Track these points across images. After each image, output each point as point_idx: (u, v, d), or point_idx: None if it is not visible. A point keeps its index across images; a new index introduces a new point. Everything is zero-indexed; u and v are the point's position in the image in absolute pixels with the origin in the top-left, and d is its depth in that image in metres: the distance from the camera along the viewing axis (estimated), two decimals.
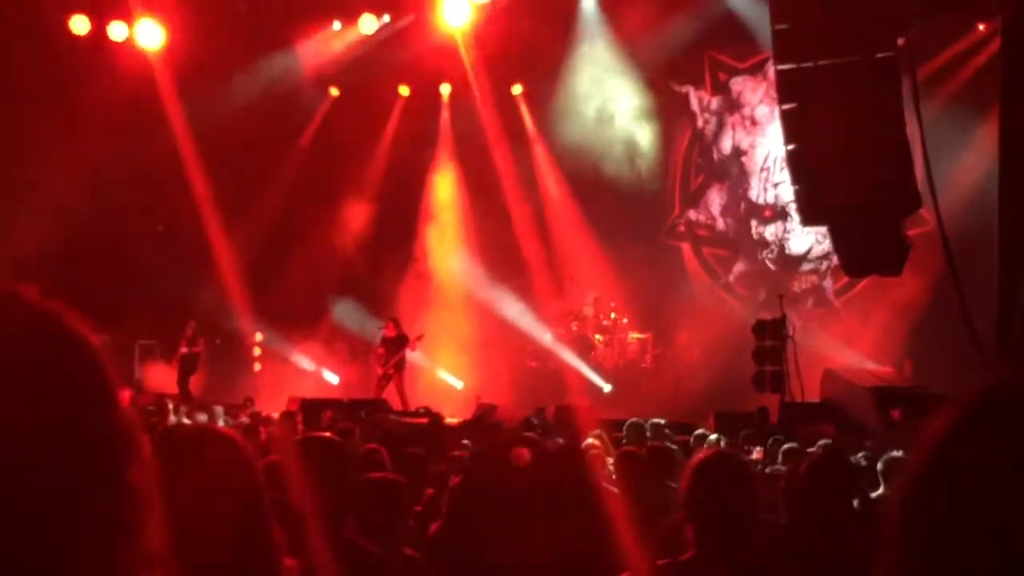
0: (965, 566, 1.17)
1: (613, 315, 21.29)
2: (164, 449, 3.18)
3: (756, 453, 10.13)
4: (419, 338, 19.77)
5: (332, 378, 21.24)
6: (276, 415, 13.95)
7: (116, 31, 19.32)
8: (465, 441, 10.06)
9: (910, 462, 1.28)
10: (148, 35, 19.07)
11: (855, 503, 5.41)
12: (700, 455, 3.80)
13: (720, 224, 22.12)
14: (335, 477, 3.98)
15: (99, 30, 19.29)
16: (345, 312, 21.34)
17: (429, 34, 20.03)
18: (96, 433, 1.18)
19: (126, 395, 12.72)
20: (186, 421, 12.82)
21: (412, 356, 19.90)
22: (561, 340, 21.04)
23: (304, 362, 20.93)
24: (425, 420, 14.26)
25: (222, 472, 2.74)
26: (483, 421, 14.25)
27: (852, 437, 10.47)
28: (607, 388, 20.14)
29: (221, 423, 12.09)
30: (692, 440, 10.90)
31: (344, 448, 4.32)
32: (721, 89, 21.75)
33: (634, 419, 11.15)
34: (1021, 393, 1.24)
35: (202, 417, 13.12)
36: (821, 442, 10.27)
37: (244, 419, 13.33)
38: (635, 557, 4.62)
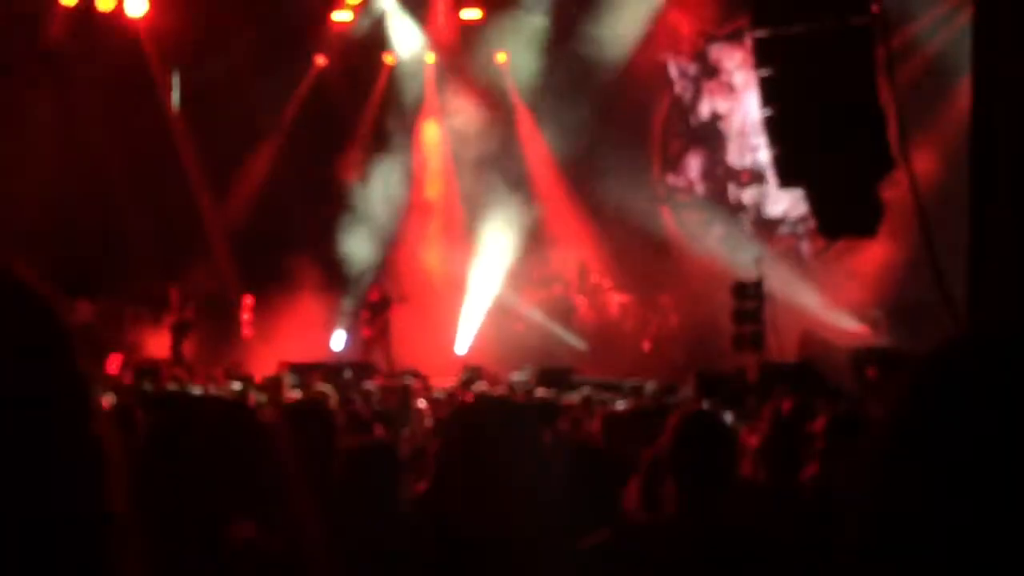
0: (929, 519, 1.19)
1: (592, 277, 21.54)
2: (157, 413, 3.32)
3: (728, 416, 10.05)
4: (403, 300, 19.99)
5: (338, 340, 21.48)
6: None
7: (104, 2, 19.43)
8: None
9: (879, 420, 1.30)
10: (135, 5, 19.20)
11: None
12: (682, 414, 3.82)
13: (699, 188, 22.39)
14: (319, 443, 4.07)
15: (86, 3, 19.38)
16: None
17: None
18: (49, 389, 1.18)
19: (117, 359, 12.93)
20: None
21: (401, 318, 20.10)
22: (544, 303, 21.29)
23: (302, 324, 21.03)
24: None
25: (217, 436, 2.87)
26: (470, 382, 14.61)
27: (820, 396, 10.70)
28: (580, 345, 20.44)
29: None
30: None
31: (328, 413, 4.38)
32: (699, 56, 21.99)
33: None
34: (978, 347, 1.26)
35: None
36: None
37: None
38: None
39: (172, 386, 13.19)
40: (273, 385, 13.25)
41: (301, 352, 18.75)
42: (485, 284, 21.18)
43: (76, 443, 1.18)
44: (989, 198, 11.79)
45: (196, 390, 12.48)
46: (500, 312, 21.08)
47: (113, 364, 16.71)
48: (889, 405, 1.27)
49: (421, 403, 12.13)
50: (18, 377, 1.15)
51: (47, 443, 1.15)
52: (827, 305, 18.90)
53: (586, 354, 20.14)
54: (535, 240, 21.51)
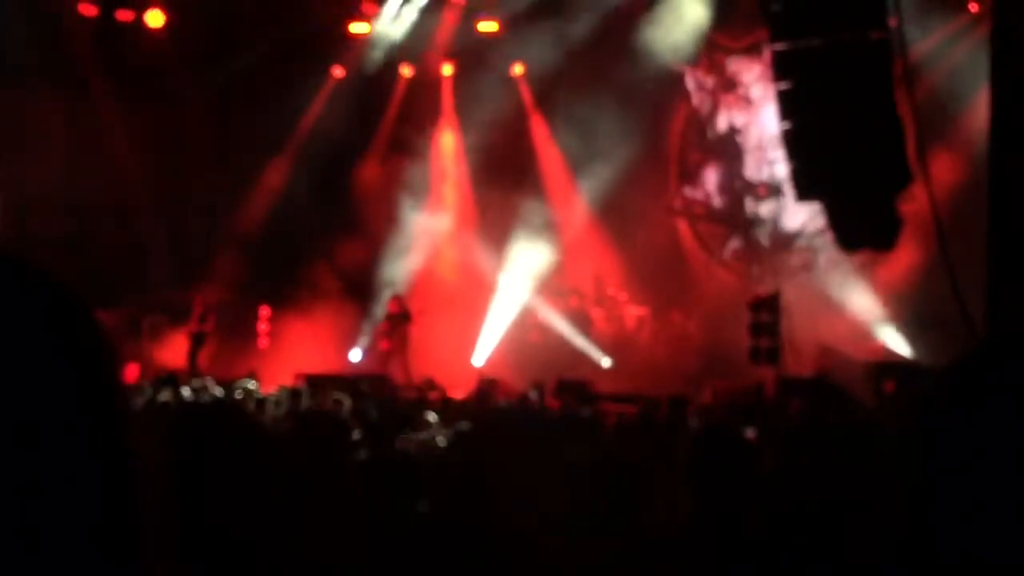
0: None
1: (608, 290, 21.56)
2: (176, 421, 3.37)
3: (750, 433, 9.92)
4: (422, 312, 20.06)
5: (355, 352, 21.51)
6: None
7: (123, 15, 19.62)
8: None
9: (908, 433, 1.27)
10: (154, 16, 19.39)
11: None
12: (698, 429, 3.81)
13: (715, 201, 22.37)
14: (332, 452, 4.12)
15: (107, 14, 19.55)
16: None
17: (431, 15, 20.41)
18: (90, 399, 1.14)
19: (135, 369, 13.04)
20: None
21: (418, 330, 20.14)
22: (560, 315, 21.30)
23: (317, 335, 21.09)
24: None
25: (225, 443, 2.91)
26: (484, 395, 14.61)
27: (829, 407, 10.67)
28: (605, 363, 20.41)
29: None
30: None
31: (342, 421, 4.43)
32: (717, 68, 22.00)
33: None
34: (994, 360, 1.25)
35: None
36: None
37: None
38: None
39: (188, 396, 13.22)
40: (289, 396, 13.28)
41: (318, 363, 18.77)
42: (506, 295, 21.21)
43: (113, 456, 1.14)
44: (1008, 210, 11.77)
45: (211, 400, 12.52)
46: (515, 324, 21.10)
47: (131, 374, 16.78)
48: (904, 419, 1.26)
49: (432, 416, 12.11)
50: (57, 387, 1.11)
51: (85, 456, 1.12)
52: (844, 319, 18.84)
53: (602, 366, 20.11)
54: (551, 252, 21.52)
